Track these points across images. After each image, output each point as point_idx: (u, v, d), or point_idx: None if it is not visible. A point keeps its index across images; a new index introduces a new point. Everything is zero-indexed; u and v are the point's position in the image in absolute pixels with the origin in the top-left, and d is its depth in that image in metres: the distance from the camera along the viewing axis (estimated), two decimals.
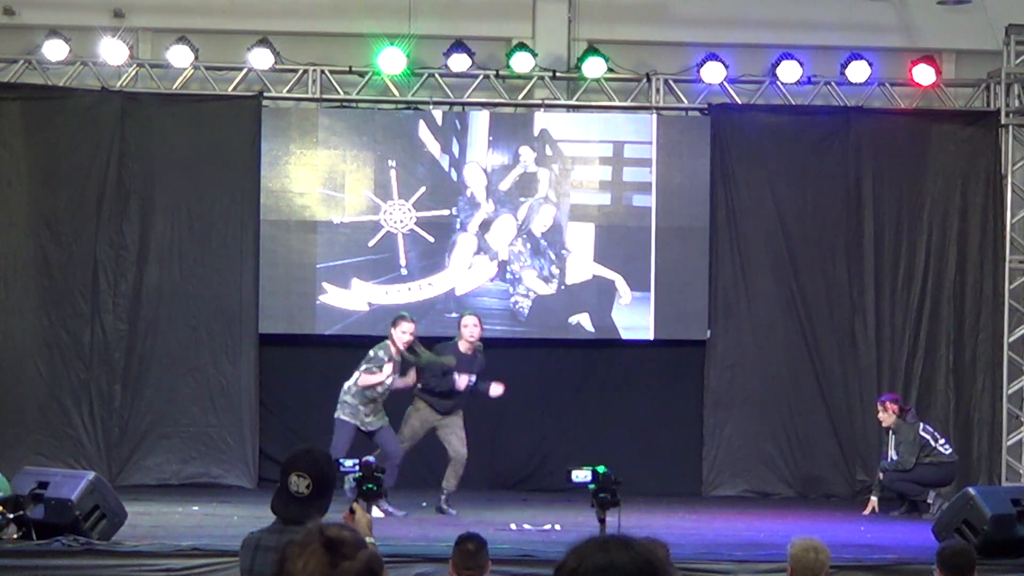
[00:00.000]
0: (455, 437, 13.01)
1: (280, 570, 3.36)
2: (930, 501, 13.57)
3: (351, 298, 14.82)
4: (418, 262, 15.05)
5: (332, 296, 14.89)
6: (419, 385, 12.95)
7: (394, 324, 12.83)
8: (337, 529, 3.37)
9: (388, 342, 12.75)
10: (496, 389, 13.10)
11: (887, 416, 13.82)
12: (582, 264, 15.16)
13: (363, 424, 12.77)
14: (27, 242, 14.83)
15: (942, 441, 13.84)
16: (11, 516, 10.24)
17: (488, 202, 15.14)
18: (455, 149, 15.15)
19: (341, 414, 12.81)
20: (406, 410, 13.01)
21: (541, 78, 15.29)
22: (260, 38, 14.80)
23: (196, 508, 13.13)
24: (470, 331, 13.04)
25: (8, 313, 14.82)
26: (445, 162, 15.15)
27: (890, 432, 13.89)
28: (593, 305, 15.11)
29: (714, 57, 15.02)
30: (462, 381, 12.83)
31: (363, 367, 12.75)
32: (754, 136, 15.34)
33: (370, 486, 7.50)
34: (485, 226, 15.12)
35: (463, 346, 13.03)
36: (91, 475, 10.76)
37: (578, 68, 15.13)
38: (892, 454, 13.80)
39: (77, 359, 14.79)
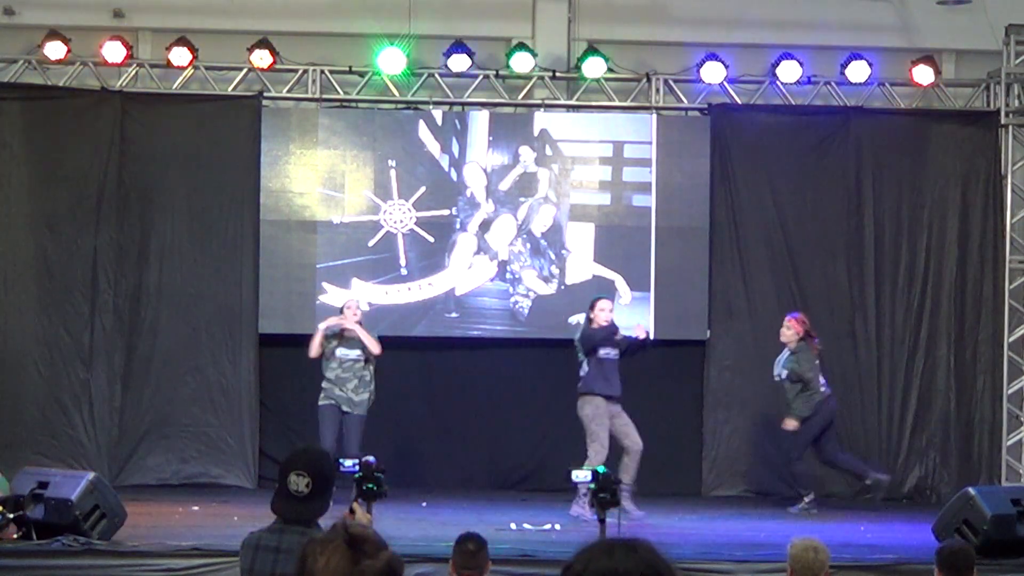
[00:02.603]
0: (630, 427, 12.93)
1: (302, 568, 3.37)
2: (869, 482, 13.58)
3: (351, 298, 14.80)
4: (418, 262, 15.05)
5: (332, 296, 14.89)
6: (579, 385, 12.97)
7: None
8: (360, 528, 3.39)
9: None
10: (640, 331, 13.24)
11: (790, 334, 13.67)
12: (582, 264, 15.16)
13: (337, 401, 13.24)
14: (27, 242, 14.82)
15: (823, 380, 13.77)
16: (11, 516, 10.25)
17: (488, 202, 15.14)
18: (455, 149, 15.15)
19: (319, 400, 13.35)
20: (582, 413, 12.95)
21: (541, 78, 15.29)
22: (260, 38, 14.80)
23: (196, 508, 13.14)
24: (606, 315, 13.04)
25: (8, 313, 14.82)
26: (445, 162, 15.15)
27: (787, 350, 13.71)
28: None
29: (714, 57, 15.02)
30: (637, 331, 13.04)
31: None
32: (754, 136, 15.34)
33: (370, 486, 7.51)
34: (485, 226, 15.12)
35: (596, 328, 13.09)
36: (91, 475, 10.75)
37: (578, 68, 15.13)
38: (782, 372, 13.60)
39: (77, 359, 14.78)
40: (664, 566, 2.82)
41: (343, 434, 13.18)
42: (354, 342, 13.34)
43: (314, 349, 13.36)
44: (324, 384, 13.34)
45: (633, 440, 12.87)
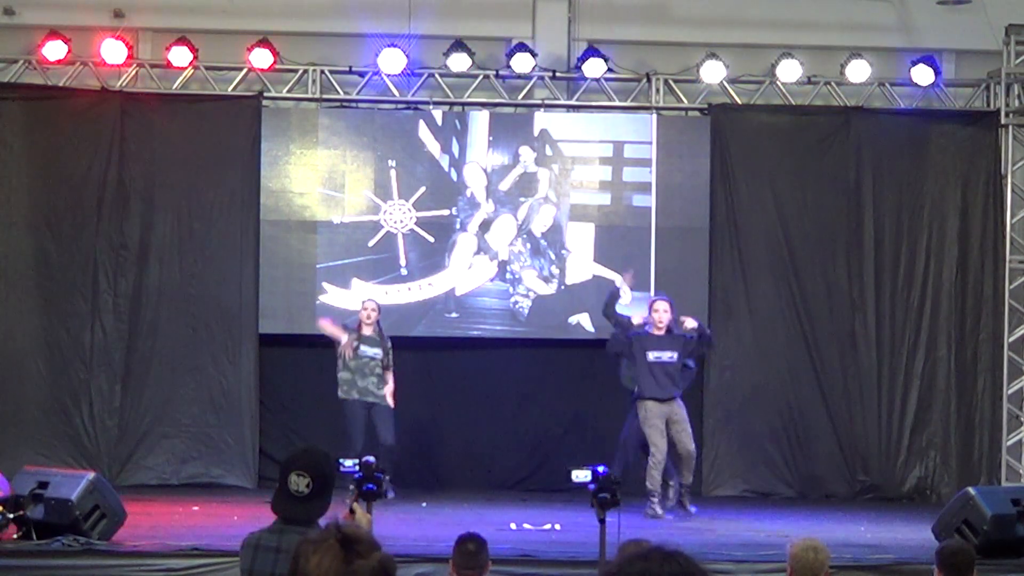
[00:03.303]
0: (684, 433, 13.06)
1: (295, 567, 3.36)
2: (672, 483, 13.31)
3: (351, 298, 14.81)
4: (418, 262, 15.05)
5: (332, 296, 14.89)
6: (635, 391, 13.07)
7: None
8: (353, 528, 3.38)
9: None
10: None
11: (668, 319, 13.24)
12: (582, 264, 15.16)
13: (361, 394, 13.45)
14: (27, 242, 14.82)
15: None
16: (11, 516, 10.25)
17: (488, 202, 15.14)
18: (455, 149, 15.16)
19: (339, 393, 13.55)
20: (635, 421, 13.09)
21: (541, 78, 15.29)
22: (260, 38, 14.80)
23: (196, 508, 13.14)
24: (659, 316, 13.14)
25: (8, 313, 14.81)
26: (445, 162, 15.15)
27: (654, 330, 13.34)
28: (593, 305, 15.08)
29: (714, 57, 15.03)
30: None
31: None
32: (754, 136, 15.34)
33: (370, 486, 7.51)
34: (485, 226, 15.12)
35: (654, 331, 13.15)
36: (91, 475, 10.76)
37: (578, 68, 15.13)
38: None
39: (77, 359, 14.78)
40: (701, 573, 2.81)
41: (375, 425, 13.41)
42: (374, 340, 13.60)
43: (334, 332, 13.69)
44: (343, 375, 13.53)
45: (683, 446, 13.04)
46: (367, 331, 13.64)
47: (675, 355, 13.06)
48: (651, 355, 12.97)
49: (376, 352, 13.61)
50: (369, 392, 13.50)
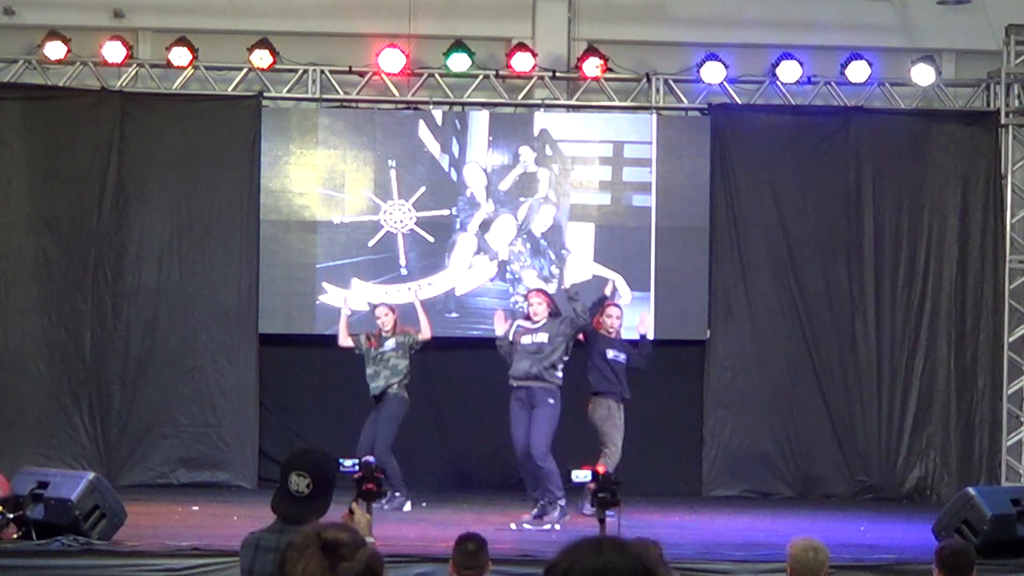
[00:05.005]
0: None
1: (281, 574, 3.34)
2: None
3: (351, 298, 14.80)
4: (418, 262, 15.06)
5: (332, 296, 14.89)
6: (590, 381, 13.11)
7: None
8: (334, 531, 3.35)
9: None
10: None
11: (543, 310, 12.81)
12: (582, 264, 15.16)
13: (377, 398, 13.22)
14: (27, 242, 14.82)
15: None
16: (11, 516, 10.25)
17: (488, 202, 15.15)
18: (455, 149, 15.16)
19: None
20: (596, 414, 13.08)
21: (541, 78, 15.30)
22: (260, 38, 14.81)
23: (196, 508, 13.14)
24: (612, 322, 13.16)
25: (8, 313, 14.82)
26: (445, 162, 15.15)
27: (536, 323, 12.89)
28: (593, 305, 15.08)
29: (714, 57, 15.02)
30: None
31: None
32: (754, 136, 15.34)
33: (370, 486, 7.50)
34: (485, 226, 15.12)
35: (606, 333, 13.21)
36: (91, 475, 10.75)
37: (578, 68, 15.14)
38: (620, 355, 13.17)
39: (77, 359, 14.78)
40: (653, 563, 2.76)
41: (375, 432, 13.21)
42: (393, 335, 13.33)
43: (341, 338, 13.41)
44: (367, 371, 13.27)
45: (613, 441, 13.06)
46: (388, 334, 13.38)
47: (625, 356, 13.17)
48: (610, 353, 13.07)
49: (389, 344, 13.23)
50: (379, 392, 13.13)
